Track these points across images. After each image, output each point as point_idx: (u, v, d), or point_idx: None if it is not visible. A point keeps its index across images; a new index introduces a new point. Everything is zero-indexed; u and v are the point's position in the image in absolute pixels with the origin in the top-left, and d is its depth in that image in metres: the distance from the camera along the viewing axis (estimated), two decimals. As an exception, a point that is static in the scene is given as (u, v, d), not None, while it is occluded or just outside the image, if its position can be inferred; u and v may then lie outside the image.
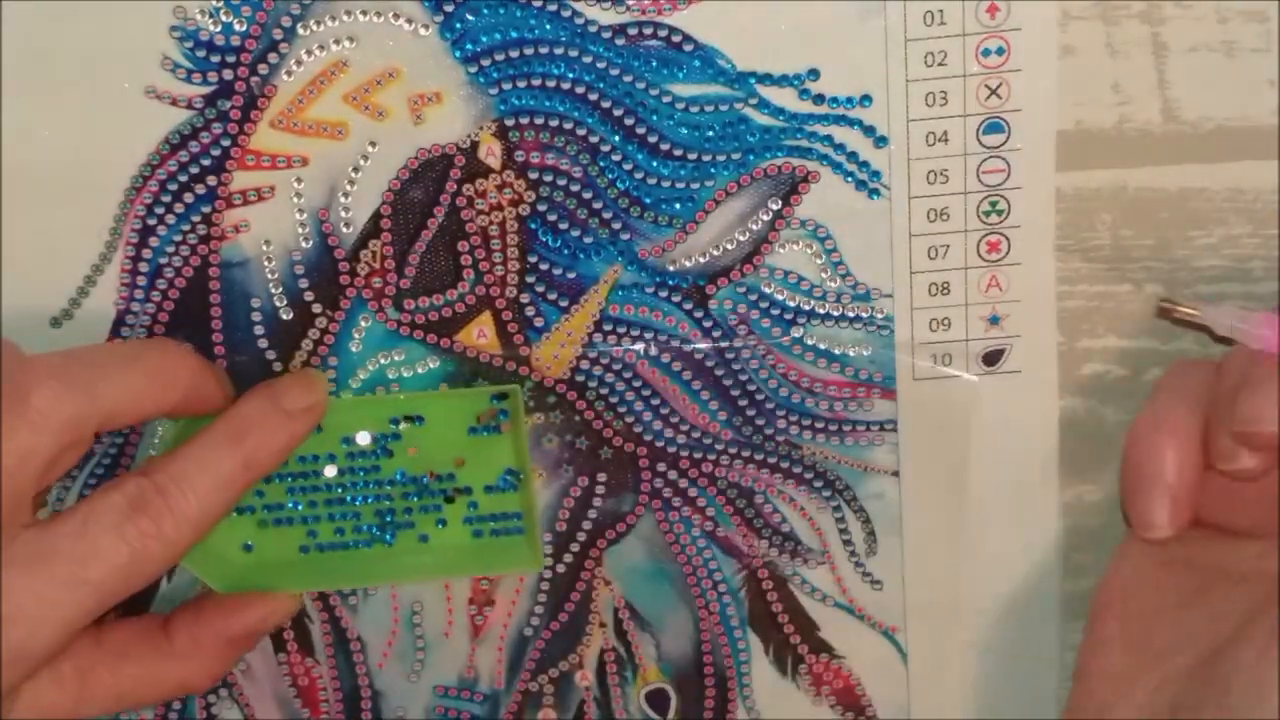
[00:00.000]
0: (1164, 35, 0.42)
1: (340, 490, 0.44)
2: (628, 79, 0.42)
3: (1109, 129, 0.43)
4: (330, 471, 0.44)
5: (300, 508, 0.44)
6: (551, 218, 0.43)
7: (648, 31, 0.42)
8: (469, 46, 0.42)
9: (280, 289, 0.43)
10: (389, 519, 0.45)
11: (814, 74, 0.42)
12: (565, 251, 0.43)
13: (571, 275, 0.44)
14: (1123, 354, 0.44)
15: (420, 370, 0.44)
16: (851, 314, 0.44)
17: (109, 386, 0.38)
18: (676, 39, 0.42)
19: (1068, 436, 0.45)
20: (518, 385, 0.44)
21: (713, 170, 0.43)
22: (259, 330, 0.44)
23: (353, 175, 0.43)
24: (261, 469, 0.41)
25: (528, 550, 0.45)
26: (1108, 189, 0.43)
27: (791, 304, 0.44)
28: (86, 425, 0.38)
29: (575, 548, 0.46)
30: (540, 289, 0.44)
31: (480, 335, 0.44)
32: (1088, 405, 0.45)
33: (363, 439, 0.44)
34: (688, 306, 0.44)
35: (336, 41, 0.42)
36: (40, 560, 0.37)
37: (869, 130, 0.42)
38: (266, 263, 0.43)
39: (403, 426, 0.44)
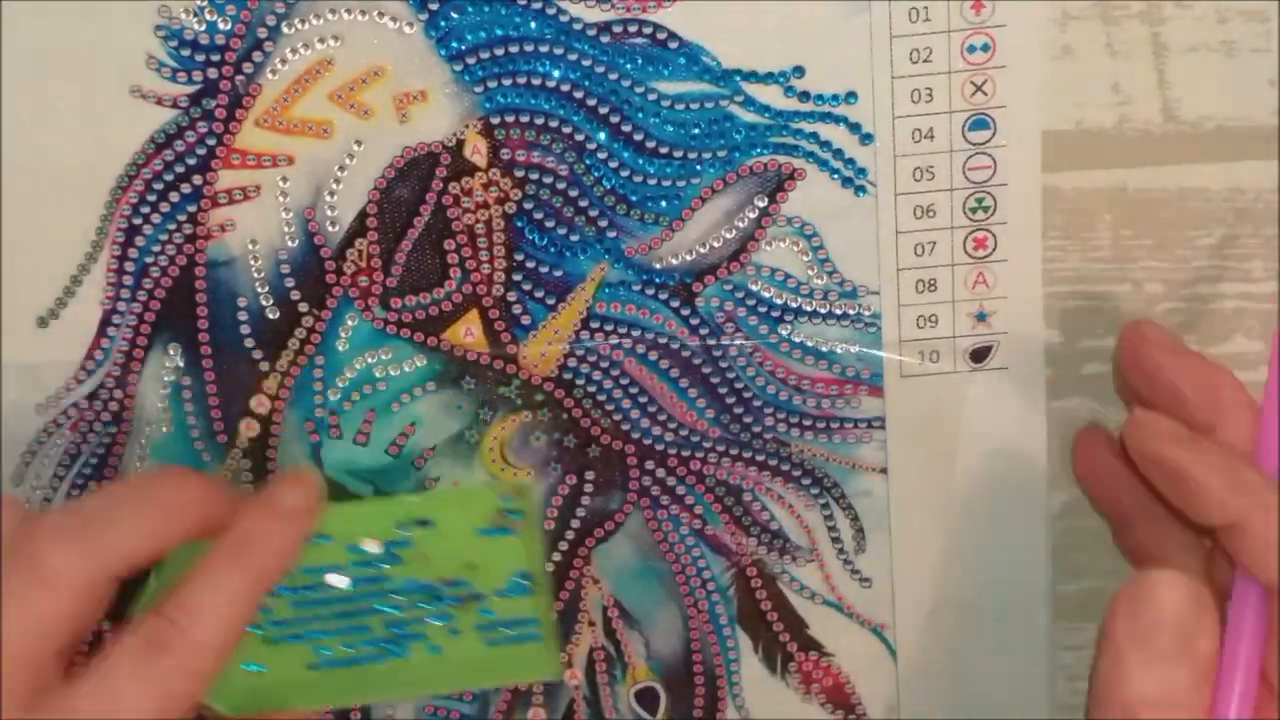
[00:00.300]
0: (1164, 35, 0.42)
1: (349, 602, 0.42)
2: (613, 76, 0.42)
3: (1109, 129, 0.43)
4: (339, 582, 0.42)
5: (309, 622, 0.42)
6: (538, 215, 0.43)
7: (633, 29, 0.42)
8: (454, 44, 0.42)
9: (266, 288, 0.43)
10: (400, 630, 0.42)
11: (799, 71, 0.42)
12: (552, 249, 0.43)
13: (558, 273, 0.44)
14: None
15: (407, 369, 0.44)
16: (839, 311, 0.44)
17: (122, 535, 0.38)
18: (662, 36, 0.42)
19: (1067, 437, 0.44)
20: (531, 481, 0.43)
21: (698, 168, 0.43)
22: (245, 330, 0.43)
23: (338, 174, 0.43)
24: (270, 579, 0.40)
25: (545, 657, 0.43)
26: (1108, 189, 0.43)
27: (778, 301, 0.44)
28: (105, 578, 0.37)
29: (564, 546, 0.46)
30: (527, 287, 0.44)
31: (467, 333, 0.44)
32: (1088, 405, 0.44)
33: (371, 547, 0.42)
34: (675, 304, 0.44)
35: (321, 40, 0.42)
36: None
37: (854, 127, 0.42)
38: (252, 262, 0.43)
39: (412, 532, 0.42)
